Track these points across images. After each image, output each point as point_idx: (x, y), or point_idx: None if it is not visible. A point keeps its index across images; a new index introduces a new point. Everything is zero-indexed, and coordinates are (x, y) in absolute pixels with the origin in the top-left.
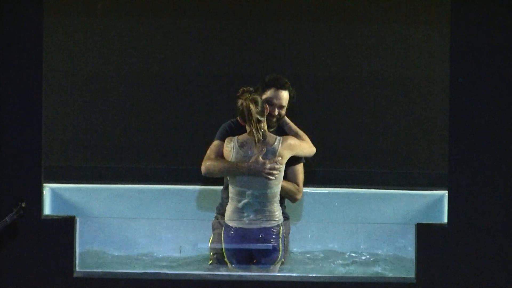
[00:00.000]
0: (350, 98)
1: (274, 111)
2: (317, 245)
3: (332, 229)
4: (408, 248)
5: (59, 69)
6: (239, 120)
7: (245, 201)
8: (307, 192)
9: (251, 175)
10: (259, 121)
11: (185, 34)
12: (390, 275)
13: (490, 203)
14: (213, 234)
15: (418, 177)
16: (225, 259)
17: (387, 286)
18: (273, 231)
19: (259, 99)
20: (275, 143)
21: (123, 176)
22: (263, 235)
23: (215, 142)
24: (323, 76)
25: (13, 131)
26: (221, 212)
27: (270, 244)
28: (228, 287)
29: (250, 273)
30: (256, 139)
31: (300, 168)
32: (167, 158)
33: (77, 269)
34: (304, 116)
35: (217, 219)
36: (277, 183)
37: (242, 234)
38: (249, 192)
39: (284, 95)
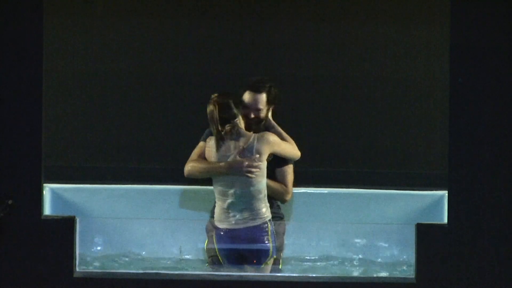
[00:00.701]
0: (350, 98)
1: (250, 114)
2: (317, 245)
3: (332, 229)
4: (408, 248)
5: (59, 69)
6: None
7: (229, 200)
8: (307, 192)
9: (231, 174)
10: (224, 122)
11: (185, 34)
12: (390, 275)
13: (490, 203)
14: (208, 237)
15: (418, 177)
16: (221, 261)
17: (387, 286)
18: (260, 229)
19: (226, 101)
20: (251, 140)
21: (123, 176)
22: (250, 234)
23: (199, 144)
24: (323, 76)
25: (13, 131)
26: (213, 215)
27: (259, 244)
28: (227, 287)
29: (250, 274)
30: (216, 140)
31: (288, 169)
32: (167, 158)
33: (77, 269)
34: (304, 116)
35: (211, 222)
36: (260, 180)
37: (230, 235)
38: (231, 191)
39: (259, 98)
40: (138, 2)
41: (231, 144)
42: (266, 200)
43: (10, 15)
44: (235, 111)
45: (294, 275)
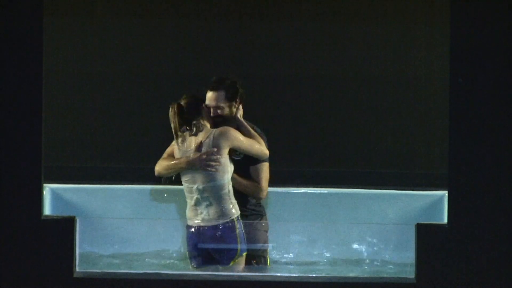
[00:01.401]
0: (350, 98)
1: (211, 112)
2: (317, 246)
3: (332, 229)
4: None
5: (59, 69)
6: None
7: (195, 197)
8: (307, 192)
9: (191, 169)
10: (185, 122)
11: (185, 34)
12: (390, 275)
13: (490, 203)
14: None
15: (418, 177)
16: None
17: (387, 286)
18: (226, 228)
19: (186, 101)
20: (209, 135)
21: (123, 176)
22: (216, 232)
23: (172, 143)
24: (323, 76)
25: (13, 131)
26: None
27: (225, 242)
28: (227, 287)
29: (250, 274)
30: (175, 137)
31: (262, 166)
32: None
33: (77, 269)
34: (304, 116)
35: None
36: (222, 175)
37: (197, 233)
38: (195, 187)
39: (214, 96)
40: (138, 2)
41: (192, 140)
42: (232, 197)
43: (10, 15)
44: (195, 110)
45: (294, 275)
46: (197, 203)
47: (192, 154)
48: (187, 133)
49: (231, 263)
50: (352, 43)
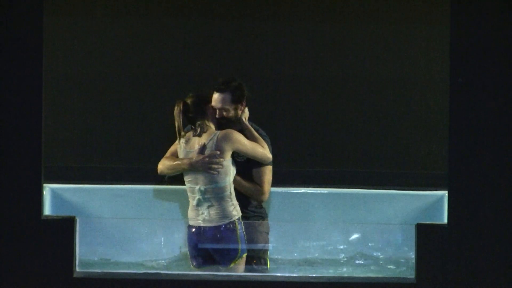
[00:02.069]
0: (350, 98)
1: (216, 113)
2: (317, 246)
3: (332, 229)
4: (408, 249)
5: (59, 69)
6: None
7: (196, 197)
8: (307, 192)
9: (193, 170)
10: (189, 121)
11: (185, 34)
12: (390, 275)
13: (490, 203)
14: None
15: (418, 177)
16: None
17: (387, 286)
18: (227, 229)
19: (192, 100)
20: (213, 137)
21: (123, 176)
22: (216, 233)
23: (175, 142)
24: (323, 77)
25: (13, 131)
26: None
27: (225, 243)
28: (227, 287)
29: (250, 274)
30: (178, 137)
31: (265, 169)
32: None
33: (77, 269)
34: (304, 116)
35: None
36: (223, 178)
37: (198, 233)
38: (197, 188)
39: (220, 98)
40: (138, 2)
41: (195, 141)
42: (234, 199)
43: (10, 15)
44: (200, 111)
45: (294, 275)
46: (198, 204)
47: (195, 156)
48: (190, 133)
49: (231, 264)
50: (353, 44)
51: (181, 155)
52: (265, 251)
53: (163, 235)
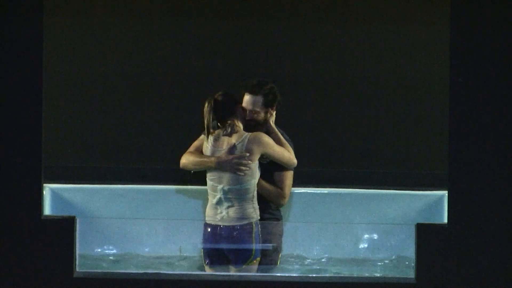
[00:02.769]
0: (350, 98)
1: (247, 115)
2: (317, 246)
3: (332, 230)
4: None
5: (59, 69)
6: None
7: (218, 196)
8: (307, 192)
9: (219, 169)
10: (219, 119)
11: (185, 34)
12: (390, 275)
13: (490, 203)
14: None
15: (418, 177)
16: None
17: (387, 286)
18: (243, 230)
19: (224, 99)
20: (243, 138)
21: (123, 176)
22: (232, 233)
23: (200, 137)
24: (323, 76)
25: (13, 131)
26: None
27: (240, 244)
28: (227, 287)
29: (250, 274)
30: (207, 134)
31: (287, 174)
32: (167, 158)
33: (77, 269)
34: (304, 116)
35: None
36: (249, 180)
37: (214, 231)
38: (220, 187)
39: (252, 100)
40: (138, 2)
41: (225, 140)
42: (255, 201)
43: (10, 15)
44: (231, 110)
45: (294, 275)
46: (218, 203)
47: (223, 155)
48: (220, 132)
49: (243, 266)
50: (352, 43)
51: (207, 152)
52: (278, 253)
53: (164, 235)
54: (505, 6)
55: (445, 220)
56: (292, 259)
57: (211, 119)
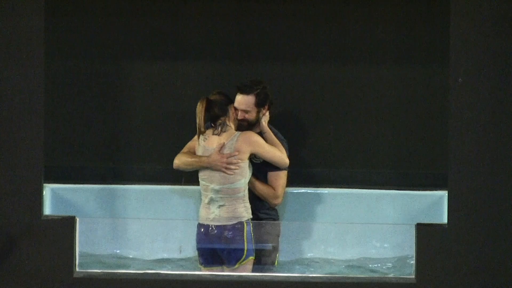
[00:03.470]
0: (350, 98)
1: (238, 114)
2: (317, 246)
3: (332, 230)
4: (408, 248)
5: (59, 69)
6: None
7: (209, 196)
8: (307, 192)
9: (210, 169)
10: (211, 119)
11: (185, 34)
12: (390, 275)
13: (490, 203)
14: None
15: (418, 177)
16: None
17: (387, 286)
18: (235, 229)
19: (216, 98)
20: (233, 138)
21: (123, 176)
22: (224, 233)
23: (194, 137)
24: (323, 76)
25: (13, 131)
26: None
27: (232, 243)
28: (227, 287)
29: (250, 274)
30: (198, 134)
31: (280, 174)
32: (167, 158)
33: (77, 269)
34: (304, 116)
35: None
36: (239, 179)
37: (206, 231)
38: (211, 186)
39: (243, 100)
40: (138, 2)
41: (215, 140)
42: (246, 201)
43: (10, 15)
44: (223, 110)
45: (294, 275)
46: (210, 202)
47: (213, 154)
48: (210, 131)
49: (237, 265)
50: (352, 43)
51: (199, 152)
52: (275, 253)
53: (164, 235)
54: (505, 7)
55: (445, 220)
56: (291, 259)
57: (203, 119)
